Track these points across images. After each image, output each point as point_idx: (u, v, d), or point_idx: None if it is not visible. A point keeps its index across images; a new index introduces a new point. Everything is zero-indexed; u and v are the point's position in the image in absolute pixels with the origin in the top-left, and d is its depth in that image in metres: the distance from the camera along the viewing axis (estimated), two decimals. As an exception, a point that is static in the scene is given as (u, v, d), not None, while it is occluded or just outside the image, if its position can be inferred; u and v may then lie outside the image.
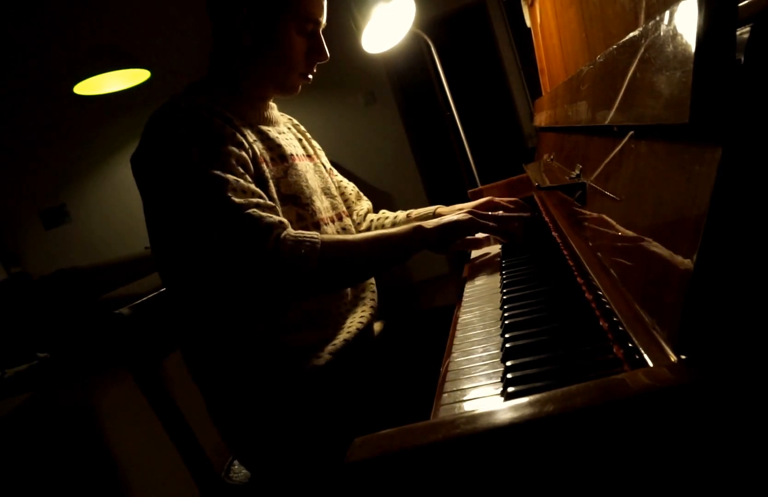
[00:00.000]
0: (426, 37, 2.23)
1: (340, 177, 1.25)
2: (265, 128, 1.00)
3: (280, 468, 0.91)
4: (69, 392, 2.72)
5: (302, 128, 1.19)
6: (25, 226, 3.98)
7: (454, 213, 1.00)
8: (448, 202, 1.29)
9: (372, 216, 1.26)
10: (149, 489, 1.91)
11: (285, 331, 0.91)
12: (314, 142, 1.19)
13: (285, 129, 1.08)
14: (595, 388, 0.37)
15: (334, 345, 0.94)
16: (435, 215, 1.22)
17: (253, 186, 0.85)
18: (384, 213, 1.28)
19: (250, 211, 0.80)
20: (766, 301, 0.35)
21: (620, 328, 0.50)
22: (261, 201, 0.83)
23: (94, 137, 3.86)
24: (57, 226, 3.99)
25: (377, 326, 1.10)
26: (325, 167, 1.17)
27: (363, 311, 1.03)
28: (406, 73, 3.93)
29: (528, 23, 1.77)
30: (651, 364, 0.41)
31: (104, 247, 3.84)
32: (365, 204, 1.27)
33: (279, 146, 0.99)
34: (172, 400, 0.94)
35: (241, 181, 0.83)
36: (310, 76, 1.01)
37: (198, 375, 0.96)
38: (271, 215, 0.82)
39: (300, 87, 1.01)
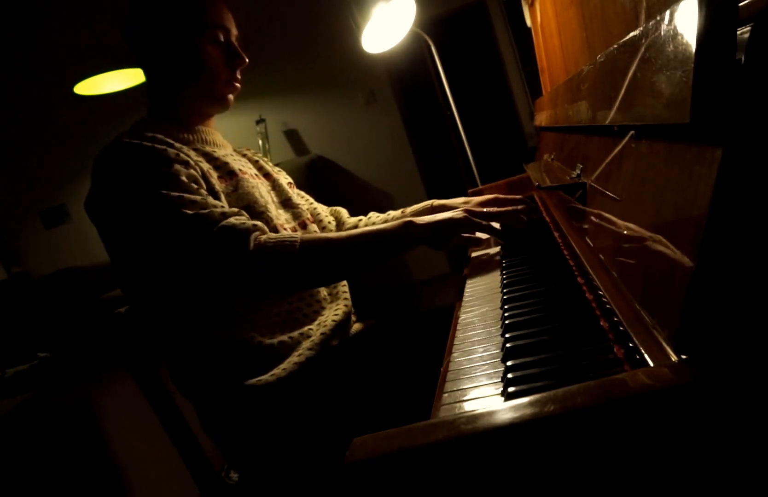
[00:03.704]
0: (426, 37, 2.23)
1: (315, 204, 1.26)
2: (209, 149, 1.02)
3: (273, 471, 0.91)
4: (69, 392, 2.72)
5: (259, 155, 1.21)
6: (26, 225, 3.98)
7: (450, 210, 1.00)
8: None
9: (363, 217, 1.28)
10: (149, 489, 1.91)
11: (260, 333, 0.92)
12: (273, 166, 1.21)
13: (233, 152, 1.11)
14: (595, 388, 0.37)
15: (312, 341, 0.95)
16: (431, 208, 1.22)
17: (217, 202, 0.87)
18: (374, 214, 1.29)
19: (223, 223, 0.82)
20: (766, 301, 0.35)
21: (621, 328, 0.50)
22: (226, 209, 0.85)
23: (94, 137, 3.84)
24: (57, 226, 3.98)
25: (361, 324, 1.10)
26: (286, 182, 1.18)
27: (337, 307, 1.05)
28: (406, 73, 3.93)
29: (528, 23, 1.77)
30: (651, 364, 0.41)
31: (104, 247, 3.83)
32: (343, 211, 1.30)
33: (225, 164, 1.01)
34: (172, 400, 0.94)
35: (203, 196, 0.85)
36: (238, 85, 1.02)
37: (182, 388, 0.96)
38: (243, 221, 0.84)
39: (232, 97, 1.03)
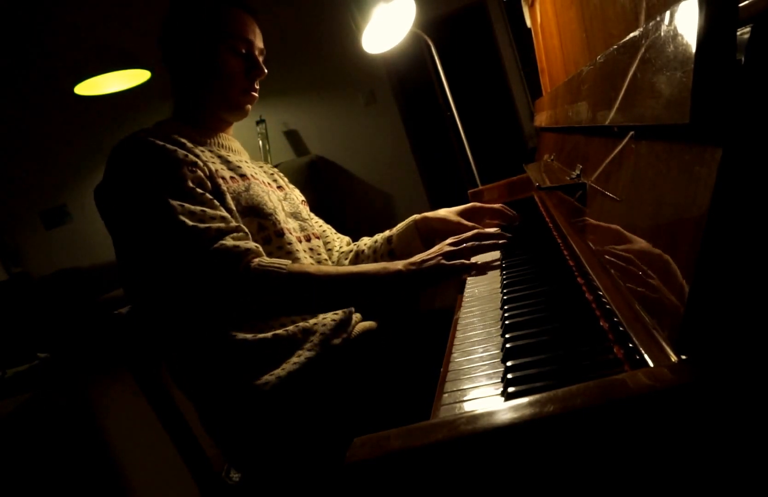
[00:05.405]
0: (426, 37, 2.23)
1: (326, 227, 1.27)
2: (224, 153, 1.04)
3: (274, 471, 0.91)
4: (69, 392, 2.72)
5: (275, 169, 1.23)
6: (26, 226, 3.97)
7: (428, 251, 0.90)
8: (448, 203, 1.28)
9: (353, 245, 1.26)
10: (149, 489, 1.91)
11: (259, 330, 0.92)
12: (289, 183, 1.22)
13: (248, 160, 1.12)
14: (595, 388, 0.37)
15: (312, 341, 0.95)
16: (416, 224, 1.17)
17: (217, 211, 0.88)
18: (365, 238, 1.26)
19: (217, 243, 0.83)
20: (766, 302, 0.35)
21: (620, 328, 0.50)
22: (222, 226, 0.86)
23: (95, 137, 3.85)
24: (57, 226, 3.98)
25: (364, 324, 1.09)
26: (299, 199, 1.19)
27: None
28: (406, 73, 3.93)
29: (528, 23, 1.77)
30: (651, 364, 0.41)
31: (104, 247, 3.81)
32: (345, 238, 1.30)
33: (238, 167, 1.03)
34: (172, 400, 0.94)
35: (205, 205, 0.87)
36: (255, 95, 1.06)
37: (183, 388, 0.97)
38: (237, 244, 0.84)
39: (248, 106, 1.07)
